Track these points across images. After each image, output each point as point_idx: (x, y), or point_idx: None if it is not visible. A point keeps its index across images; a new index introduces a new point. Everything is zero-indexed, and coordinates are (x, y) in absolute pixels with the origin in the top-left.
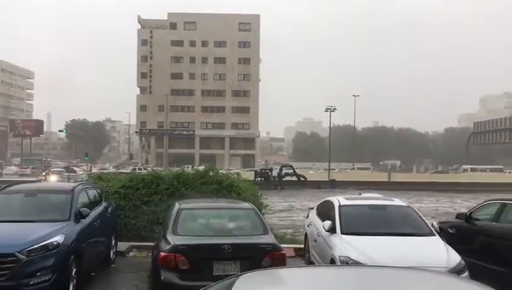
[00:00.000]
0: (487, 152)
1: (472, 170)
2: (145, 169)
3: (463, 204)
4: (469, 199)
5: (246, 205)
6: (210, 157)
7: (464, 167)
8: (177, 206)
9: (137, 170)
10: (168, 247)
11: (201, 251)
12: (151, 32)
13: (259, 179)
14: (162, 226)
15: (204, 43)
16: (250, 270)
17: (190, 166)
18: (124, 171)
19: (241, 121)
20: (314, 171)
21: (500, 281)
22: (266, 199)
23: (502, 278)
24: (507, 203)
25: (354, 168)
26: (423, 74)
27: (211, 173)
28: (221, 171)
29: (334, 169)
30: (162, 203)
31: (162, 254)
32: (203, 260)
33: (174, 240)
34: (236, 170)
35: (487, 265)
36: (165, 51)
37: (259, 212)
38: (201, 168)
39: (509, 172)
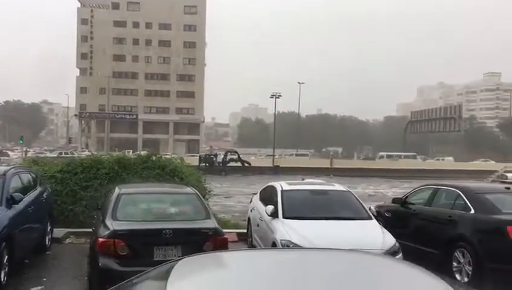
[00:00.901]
0: (423, 140)
1: (388, 156)
2: (72, 153)
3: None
4: (396, 184)
5: (188, 189)
6: (154, 143)
7: (380, 153)
8: (116, 190)
9: (69, 153)
10: (106, 232)
11: (141, 236)
12: (91, 11)
13: (204, 164)
14: (100, 212)
15: (148, 25)
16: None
17: (131, 151)
18: (67, 155)
19: (185, 105)
20: (255, 157)
21: (432, 262)
22: (210, 184)
23: (434, 259)
24: (439, 188)
25: (292, 155)
26: (365, 63)
27: (154, 158)
28: (165, 156)
29: (275, 155)
30: (102, 189)
31: (101, 239)
32: (144, 245)
33: (113, 225)
34: (174, 155)
35: (421, 247)
36: (107, 31)
37: (201, 197)
38: (143, 153)
39: (442, 159)
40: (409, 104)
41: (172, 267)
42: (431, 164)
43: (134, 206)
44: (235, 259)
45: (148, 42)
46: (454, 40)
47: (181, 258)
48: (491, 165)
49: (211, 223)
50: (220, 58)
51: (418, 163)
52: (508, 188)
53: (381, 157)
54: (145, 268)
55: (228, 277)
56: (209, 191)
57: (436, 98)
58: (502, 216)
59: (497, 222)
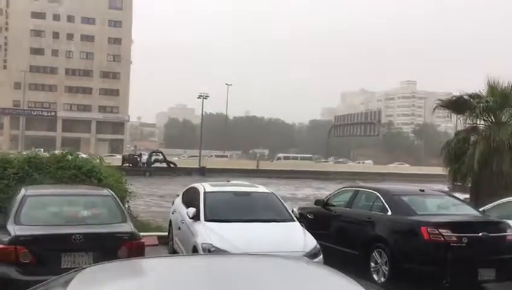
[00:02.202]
0: (346, 144)
1: (285, 158)
2: None
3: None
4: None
5: (104, 191)
6: (74, 142)
7: (278, 155)
8: (22, 192)
9: None
10: (7, 238)
11: (47, 241)
12: (7, 0)
13: (127, 165)
14: (2, 216)
15: (70, 18)
16: (104, 261)
17: (41, 149)
18: None
19: (109, 104)
20: (179, 158)
21: (352, 263)
22: (131, 185)
23: (354, 260)
24: (359, 190)
25: (212, 156)
26: (292, 67)
27: (69, 157)
28: (82, 155)
29: (197, 156)
30: (9, 190)
31: (0, 246)
32: (50, 251)
33: (15, 230)
34: (90, 154)
35: (342, 248)
36: (24, 22)
37: (117, 200)
38: (57, 152)
39: (363, 162)
40: (333, 108)
41: (72, 278)
42: (340, 166)
43: (42, 209)
44: (141, 268)
45: (70, 36)
46: (375, 47)
47: (83, 268)
48: (405, 168)
49: (127, 227)
50: (147, 56)
51: (312, 165)
52: (423, 190)
53: (279, 158)
54: (50, 277)
55: (132, 288)
56: (131, 193)
57: (358, 104)
58: (417, 217)
59: (412, 223)
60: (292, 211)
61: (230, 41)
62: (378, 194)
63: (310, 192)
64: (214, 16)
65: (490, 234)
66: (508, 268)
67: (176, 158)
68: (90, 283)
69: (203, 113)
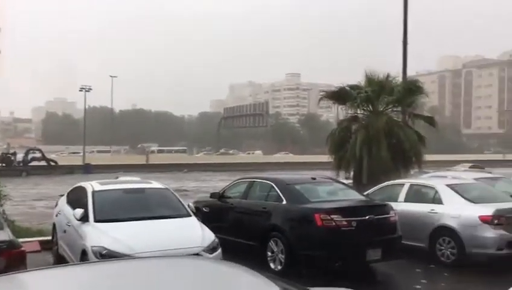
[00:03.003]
0: (236, 135)
1: (159, 151)
2: None
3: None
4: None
5: None
6: None
7: (152, 148)
8: None
9: None
10: None
11: None
12: None
13: (0, 165)
14: None
15: None
16: None
17: None
18: None
19: None
20: (58, 156)
21: (250, 253)
22: (5, 186)
23: (252, 250)
24: (254, 181)
25: (93, 151)
26: (180, 60)
27: None
28: None
29: (78, 153)
30: None
31: None
32: None
33: None
34: None
35: (239, 240)
36: None
37: None
38: None
39: (252, 153)
40: (222, 100)
41: None
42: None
43: None
44: (27, 283)
45: None
46: (262, 39)
47: None
48: (289, 157)
49: (4, 235)
50: (21, 46)
51: (187, 157)
52: (314, 179)
53: (152, 152)
54: None
55: None
56: (5, 196)
57: (246, 96)
58: (310, 205)
59: (306, 211)
60: (188, 206)
61: (116, 33)
62: (272, 184)
63: (205, 185)
64: (95, 5)
65: (376, 217)
66: (392, 248)
67: (54, 155)
68: None
69: (86, 106)
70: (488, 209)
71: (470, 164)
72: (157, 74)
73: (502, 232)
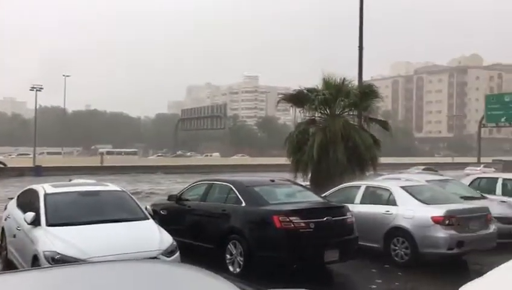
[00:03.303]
0: (194, 137)
1: (108, 153)
2: None
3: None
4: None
5: None
6: None
7: (100, 150)
8: None
9: None
10: None
11: None
12: None
13: None
14: None
15: None
16: None
17: None
18: None
19: None
20: (4, 157)
21: (209, 256)
22: None
23: (211, 253)
24: (213, 183)
25: (43, 153)
26: (138, 61)
27: None
28: None
29: (27, 154)
30: None
31: None
32: None
33: None
34: None
35: (198, 243)
36: None
37: None
38: None
39: (210, 155)
40: (180, 102)
41: None
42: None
43: None
44: None
45: None
46: (220, 42)
47: None
48: (246, 159)
49: None
50: None
51: (136, 160)
52: (273, 181)
53: (101, 153)
54: None
55: None
56: None
57: (204, 97)
58: (269, 207)
59: (264, 213)
60: (146, 209)
61: (69, 32)
62: (231, 186)
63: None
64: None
65: (333, 218)
66: (349, 249)
67: (2, 157)
68: None
69: (38, 106)
70: (439, 210)
71: (424, 167)
72: (113, 74)
73: (453, 232)
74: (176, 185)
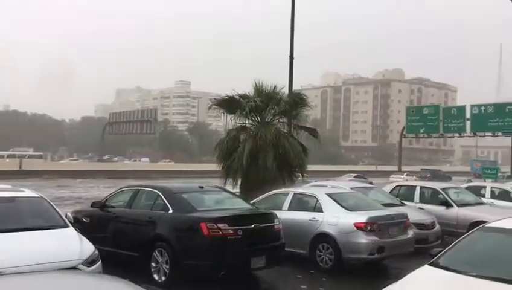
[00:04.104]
0: (122, 141)
1: (9, 156)
2: None
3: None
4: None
5: None
6: None
7: (0, 153)
8: None
9: None
10: None
11: None
12: None
13: None
14: None
15: None
16: None
17: None
18: None
19: None
20: None
21: (134, 265)
22: None
23: (136, 262)
24: (140, 189)
25: None
26: (62, 60)
27: None
28: None
29: None
30: None
31: None
32: None
33: None
34: None
35: (123, 251)
36: None
37: None
38: None
39: (139, 160)
40: (108, 105)
41: None
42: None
43: None
44: None
45: None
46: (153, 45)
47: None
48: (172, 165)
49: None
50: None
51: (43, 163)
52: (202, 187)
53: (1, 157)
54: None
55: None
56: None
57: (134, 101)
58: (197, 214)
59: (192, 220)
60: (66, 216)
61: None
62: (159, 192)
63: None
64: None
65: (261, 225)
66: (276, 255)
67: None
68: None
69: None
70: (362, 217)
71: (354, 174)
72: (35, 72)
73: (374, 238)
74: (95, 191)
